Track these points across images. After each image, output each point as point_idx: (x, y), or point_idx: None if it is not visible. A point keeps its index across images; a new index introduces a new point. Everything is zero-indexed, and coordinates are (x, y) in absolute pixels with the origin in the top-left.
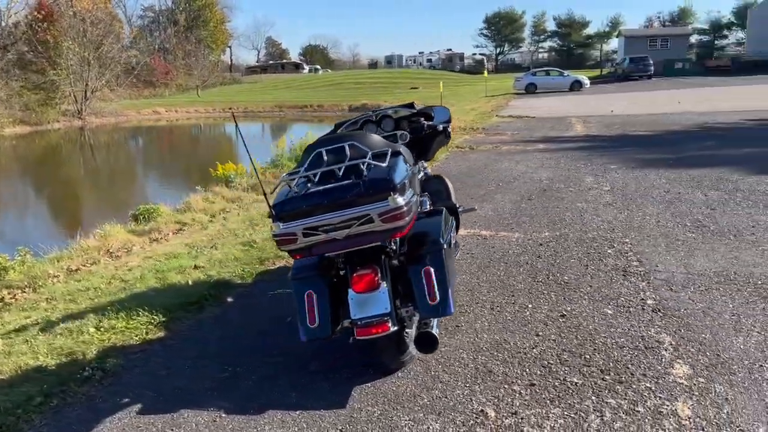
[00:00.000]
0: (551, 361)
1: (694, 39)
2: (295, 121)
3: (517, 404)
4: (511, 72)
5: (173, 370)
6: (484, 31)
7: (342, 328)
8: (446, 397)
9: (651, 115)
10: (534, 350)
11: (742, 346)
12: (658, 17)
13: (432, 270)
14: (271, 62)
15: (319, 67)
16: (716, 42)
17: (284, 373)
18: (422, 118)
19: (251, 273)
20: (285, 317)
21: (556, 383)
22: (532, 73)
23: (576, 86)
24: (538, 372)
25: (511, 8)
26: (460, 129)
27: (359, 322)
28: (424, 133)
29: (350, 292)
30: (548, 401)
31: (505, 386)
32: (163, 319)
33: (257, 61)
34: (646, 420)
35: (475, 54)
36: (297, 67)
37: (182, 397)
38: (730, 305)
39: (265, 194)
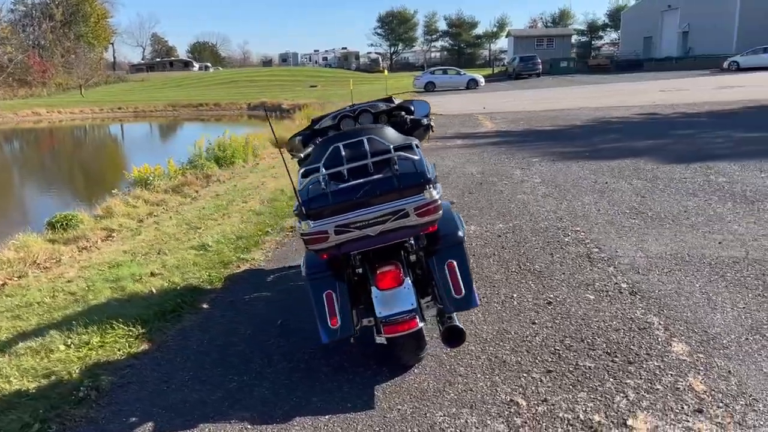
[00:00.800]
0: (557, 347)
1: (574, 39)
2: (192, 120)
3: (543, 391)
4: (406, 71)
5: (174, 383)
6: (378, 30)
7: (360, 327)
8: (471, 390)
9: (550, 111)
10: (536, 338)
11: (723, 322)
12: (541, 18)
13: (455, 263)
14: (158, 60)
15: (209, 64)
16: (593, 42)
17: (297, 377)
18: (403, 112)
19: (219, 277)
20: (273, 321)
21: (571, 368)
22: (430, 72)
23: (472, 84)
24: (549, 359)
25: (404, 8)
26: None
27: (386, 320)
28: (406, 126)
29: (374, 290)
30: (571, 386)
31: (524, 375)
32: (143, 330)
33: (143, 59)
34: (669, 397)
35: (370, 53)
36: (186, 65)
37: (195, 411)
38: (696, 285)
39: (295, 191)
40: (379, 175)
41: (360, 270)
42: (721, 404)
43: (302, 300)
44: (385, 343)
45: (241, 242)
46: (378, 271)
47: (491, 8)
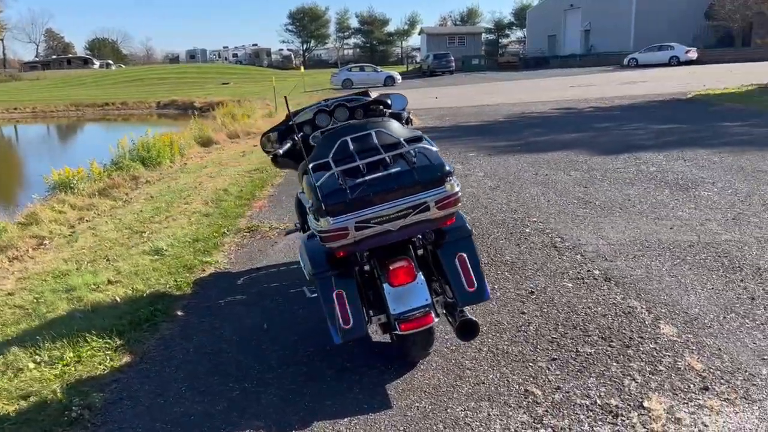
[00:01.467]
0: (553, 336)
1: (482, 38)
2: (98, 120)
3: (553, 380)
4: (319, 68)
5: (171, 396)
6: (290, 27)
7: (370, 325)
8: (484, 383)
9: (472, 107)
10: (530, 327)
11: (698, 303)
12: (450, 16)
13: (465, 256)
14: (54, 57)
15: (111, 62)
16: (500, 40)
17: (302, 381)
18: (381, 106)
19: (186, 283)
20: (258, 325)
21: (573, 355)
22: (348, 69)
23: (389, 81)
24: (549, 347)
25: (315, 4)
26: None
27: (402, 317)
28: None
29: (386, 286)
30: (578, 373)
31: (531, 364)
32: (120, 342)
33: (36, 56)
34: (673, 377)
35: (282, 49)
36: (86, 62)
37: (204, 424)
38: (663, 269)
39: (317, 188)
40: (398, 169)
41: (366, 266)
42: (722, 381)
43: (282, 303)
44: (393, 340)
45: (199, 245)
46: (390, 267)
47: (402, 6)
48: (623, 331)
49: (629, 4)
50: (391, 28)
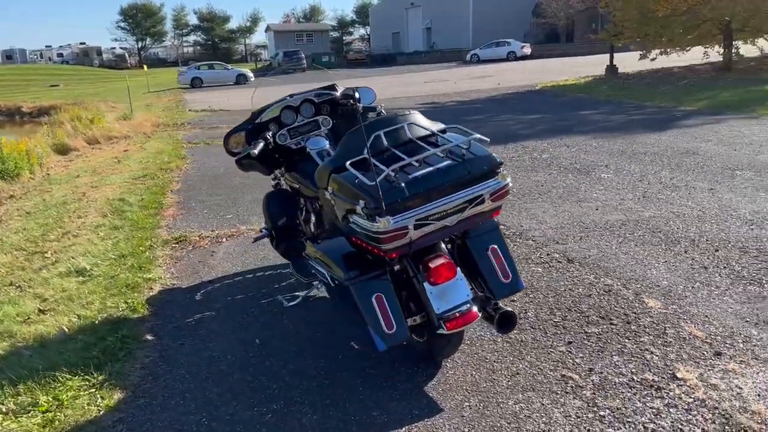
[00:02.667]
0: (556, 320)
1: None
2: None
3: (582, 362)
4: (159, 67)
5: (192, 429)
6: (122, 24)
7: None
8: (519, 374)
9: None
10: (529, 314)
11: (663, 276)
12: (293, 14)
13: (497, 248)
14: None
15: None
16: (344, 38)
17: (335, 394)
18: (350, 101)
19: (139, 303)
20: (248, 341)
21: (585, 336)
22: (195, 67)
23: (242, 79)
24: (557, 331)
25: (149, 0)
26: (165, 125)
27: (446, 316)
28: (359, 115)
29: (426, 285)
30: (600, 352)
31: (552, 350)
32: (101, 377)
33: None
34: (683, 346)
35: (114, 48)
36: None
37: None
38: (613, 247)
39: (377, 184)
40: (449, 162)
41: (397, 266)
42: (728, 345)
43: (260, 315)
44: (422, 341)
45: (129, 261)
46: (431, 265)
47: (242, 3)
48: (615, 308)
49: (466, 3)
50: (232, 25)
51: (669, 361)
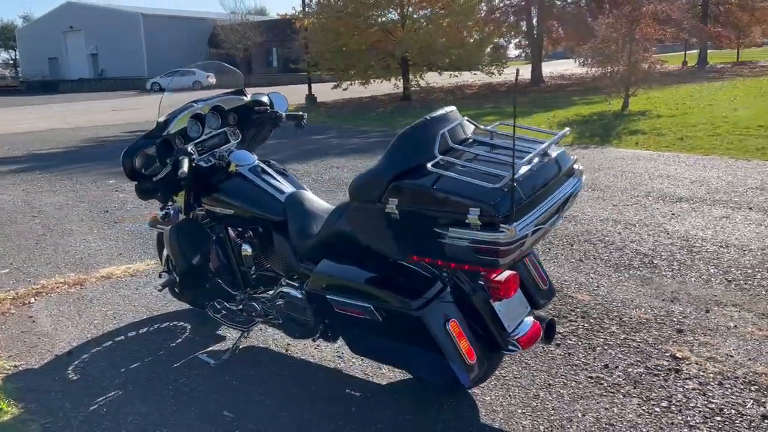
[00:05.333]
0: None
1: None
2: None
3: (603, 357)
4: None
5: None
6: None
7: None
8: (560, 375)
9: (27, 134)
10: None
11: (570, 272)
12: None
13: (532, 255)
14: None
15: None
16: None
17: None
18: (267, 108)
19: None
20: (215, 415)
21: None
22: None
23: None
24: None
25: None
26: None
27: (518, 334)
28: (281, 122)
29: (495, 303)
30: (620, 346)
31: (564, 346)
32: None
33: None
34: (652, 330)
35: None
36: None
37: None
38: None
39: (513, 179)
40: (545, 159)
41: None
42: (676, 322)
43: (194, 383)
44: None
45: None
46: (496, 279)
47: None
48: (573, 306)
49: (137, 29)
50: None
51: (659, 344)
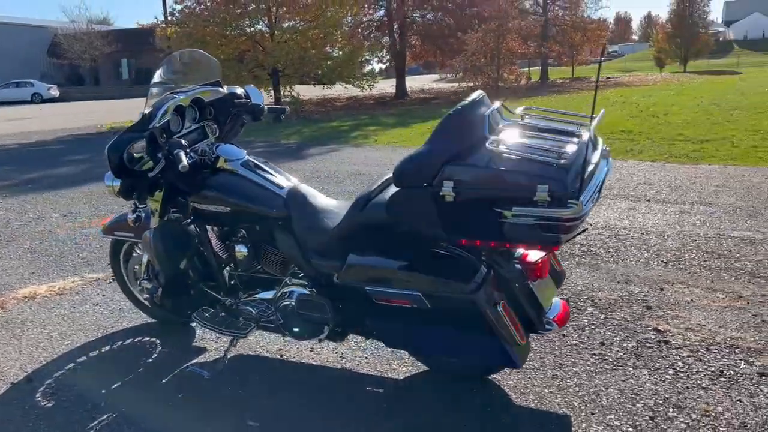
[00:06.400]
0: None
1: None
2: None
3: (605, 332)
4: None
5: None
6: None
7: None
8: (556, 350)
9: None
10: None
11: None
12: None
13: None
14: None
15: None
16: None
17: None
18: (248, 101)
19: None
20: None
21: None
22: None
23: None
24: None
25: None
26: None
27: (553, 314)
28: (264, 114)
29: (532, 285)
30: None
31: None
32: None
33: None
34: (653, 287)
35: None
36: None
37: None
38: None
39: (586, 155)
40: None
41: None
42: (641, 300)
43: (202, 401)
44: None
45: None
46: (531, 258)
47: None
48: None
49: None
50: None
51: (651, 315)
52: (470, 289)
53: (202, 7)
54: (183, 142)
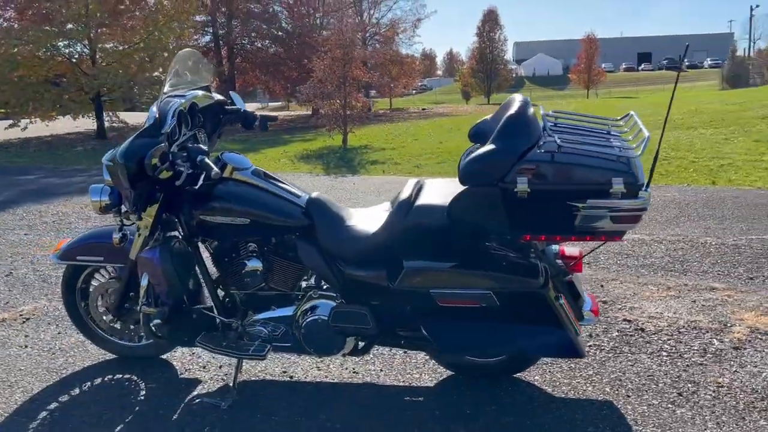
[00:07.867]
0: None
1: None
2: None
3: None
4: None
5: None
6: None
7: None
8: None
9: None
10: None
11: None
12: None
13: None
14: None
15: None
16: None
17: None
18: (240, 108)
19: None
20: None
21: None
22: None
23: None
24: None
25: None
26: None
27: (588, 306)
28: (256, 122)
29: (572, 277)
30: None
31: None
32: None
33: None
34: (596, 284)
35: None
36: None
37: None
38: None
39: (659, 147)
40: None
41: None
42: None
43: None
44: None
45: None
46: (568, 253)
47: None
48: None
49: None
50: None
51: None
52: (540, 283)
53: (9, 24)
54: (204, 147)
